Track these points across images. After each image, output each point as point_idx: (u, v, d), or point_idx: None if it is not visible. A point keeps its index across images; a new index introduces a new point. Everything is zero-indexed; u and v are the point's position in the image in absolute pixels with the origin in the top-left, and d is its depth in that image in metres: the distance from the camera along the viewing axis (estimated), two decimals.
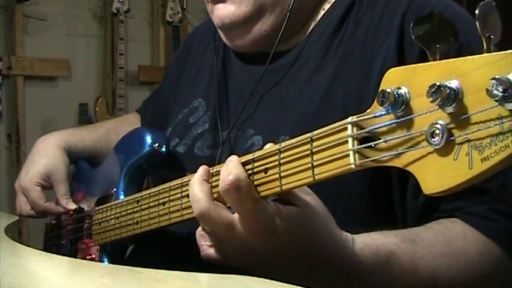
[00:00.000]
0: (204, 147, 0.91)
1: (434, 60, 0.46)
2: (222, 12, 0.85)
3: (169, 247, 0.87)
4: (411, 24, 0.48)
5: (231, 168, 0.60)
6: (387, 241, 0.66)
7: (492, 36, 0.43)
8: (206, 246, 0.66)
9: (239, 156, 0.64)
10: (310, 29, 0.87)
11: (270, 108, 0.85)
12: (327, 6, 0.87)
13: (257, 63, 0.88)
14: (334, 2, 0.86)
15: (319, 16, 0.87)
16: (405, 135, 0.46)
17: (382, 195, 0.74)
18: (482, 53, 0.43)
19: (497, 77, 0.39)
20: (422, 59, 0.71)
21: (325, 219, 0.62)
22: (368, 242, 0.65)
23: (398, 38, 0.75)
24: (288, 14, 0.84)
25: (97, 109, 2.88)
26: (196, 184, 0.63)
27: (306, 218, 0.60)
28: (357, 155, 0.50)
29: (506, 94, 0.39)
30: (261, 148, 0.80)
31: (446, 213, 0.71)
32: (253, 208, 0.59)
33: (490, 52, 0.42)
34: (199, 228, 0.67)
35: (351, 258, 0.62)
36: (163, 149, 0.94)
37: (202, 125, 0.93)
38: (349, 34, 0.81)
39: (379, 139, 0.49)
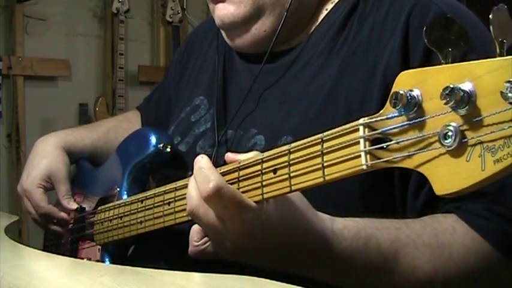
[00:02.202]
0: (206, 146, 0.91)
1: (447, 63, 0.46)
2: (221, 12, 0.86)
3: (170, 246, 0.87)
4: (424, 28, 0.48)
5: (208, 175, 0.61)
6: (369, 225, 0.66)
7: (505, 41, 0.43)
8: (196, 243, 0.67)
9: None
10: (313, 29, 0.87)
11: (272, 107, 0.85)
12: (330, 6, 0.87)
13: (260, 62, 0.88)
14: (338, 1, 0.86)
15: (322, 16, 0.87)
16: (417, 137, 0.47)
17: (384, 196, 0.75)
18: (489, 55, 0.43)
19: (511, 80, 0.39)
20: (426, 59, 0.72)
21: (301, 203, 0.63)
22: (348, 225, 0.66)
23: (403, 38, 0.75)
24: (286, 13, 0.84)
25: (97, 109, 2.88)
26: (192, 181, 0.65)
27: (287, 205, 0.62)
28: (368, 156, 0.51)
29: None
30: (264, 147, 0.80)
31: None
32: (238, 212, 0.60)
33: (503, 56, 0.42)
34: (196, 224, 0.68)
35: (329, 238, 0.63)
36: (168, 149, 0.94)
37: (204, 123, 0.94)
38: (353, 34, 0.81)
39: (391, 140, 0.49)
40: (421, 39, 0.73)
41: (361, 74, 0.77)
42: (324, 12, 0.87)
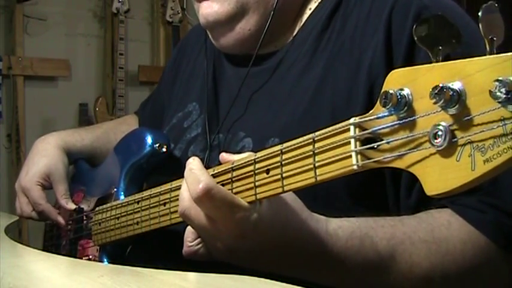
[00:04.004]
0: (197, 150, 0.91)
1: (437, 61, 0.46)
2: (206, 11, 0.86)
3: (168, 246, 0.87)
4: (414, 26, 0.47)
5: (198, 176, 0.61)
6: (364, 225, 0.66)
7: (495, 38, 0.43)
8: (189, 244, 0.67)
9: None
10: (297, 30, 0.87)
11: (260, 110, 0.85)
12: (313, 5, 0.87)
13: (247, 65, 0.88)
14: (321, 1, 0.86)
15: (306, 16, 0.87)
16: (408, 137, 0.46)
17: (376, 195, 0.74)
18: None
19: (500, 78, 0.39)
20: (410, 55, 0.72)
21: (295, 203, 0.63)
22: (343, 225, 0.65)
23: (385, 35, 0.75)
24: (272, 13, 0.84)
25: (97, 109, 2.89)
26: (184, 183, 0.65)
27: (280, 206, 0.62)
28: (359, 156, 0.50)
29: (509, 96, 0.39)
30: (251, 150, 0.80)
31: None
32: (229, 212, 0.60)
33: (493, 54, 0.42)
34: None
35: (324, 239, 0.63)
36: (164, 149, 0.94)
37: (195, 128, 0.94)
38: (337, 32, 0.81)
39: (382, 140, 0.49)
40: (404, 34, 0.73)
41: (346, 72, 0.77)
42: (308, 12, 0.87)
